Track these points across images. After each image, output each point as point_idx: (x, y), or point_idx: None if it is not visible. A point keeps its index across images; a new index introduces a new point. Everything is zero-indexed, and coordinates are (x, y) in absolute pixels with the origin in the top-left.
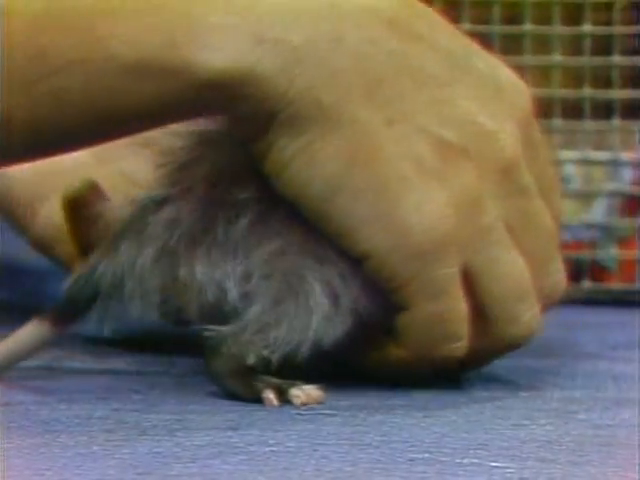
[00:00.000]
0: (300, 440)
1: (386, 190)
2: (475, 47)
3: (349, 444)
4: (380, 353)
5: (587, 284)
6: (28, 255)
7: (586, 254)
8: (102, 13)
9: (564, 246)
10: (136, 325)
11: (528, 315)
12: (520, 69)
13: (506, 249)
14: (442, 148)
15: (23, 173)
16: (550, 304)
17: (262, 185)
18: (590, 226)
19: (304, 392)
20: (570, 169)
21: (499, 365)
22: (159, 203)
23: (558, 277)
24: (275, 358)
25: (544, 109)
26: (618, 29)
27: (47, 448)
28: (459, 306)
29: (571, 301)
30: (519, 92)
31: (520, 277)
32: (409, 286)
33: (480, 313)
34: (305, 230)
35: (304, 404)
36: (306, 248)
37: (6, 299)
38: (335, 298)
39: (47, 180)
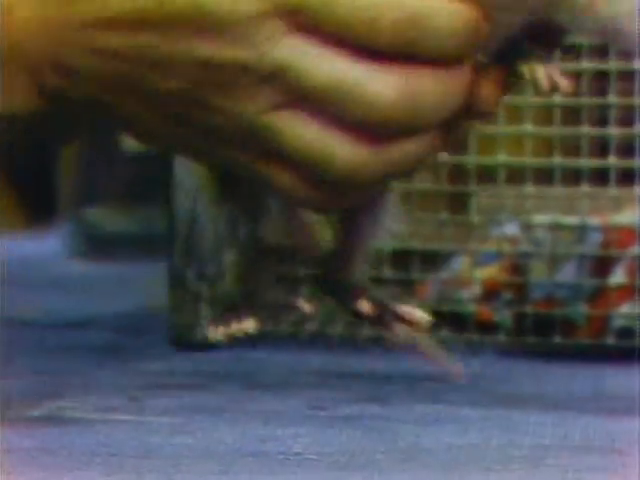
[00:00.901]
0: None
1: None
2: None
3: None
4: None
5: (557, 339)
6: (27, 311)
7: (556, 311)
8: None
9: (536, 304)
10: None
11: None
12: (495, 139)
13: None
14: None
15: None
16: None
17: None
18: (560, 285)
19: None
20: (541, 233)
21: (473, 416)
22: None
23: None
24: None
25: (516, 175)
26: (586, 100)
27: None
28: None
29: (542, 355)
30: None
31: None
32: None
33: None
34: None
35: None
36: None
37: (7, 353)
38: None
39: None
